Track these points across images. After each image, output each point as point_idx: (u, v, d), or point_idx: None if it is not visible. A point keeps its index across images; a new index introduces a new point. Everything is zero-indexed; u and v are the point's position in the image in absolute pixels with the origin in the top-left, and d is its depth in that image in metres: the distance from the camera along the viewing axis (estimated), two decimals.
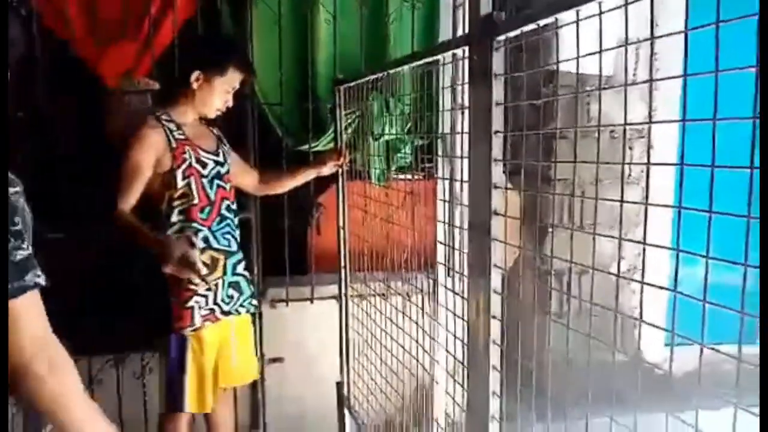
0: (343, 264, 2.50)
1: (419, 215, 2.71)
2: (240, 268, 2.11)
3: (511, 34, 1.16)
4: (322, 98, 2.59)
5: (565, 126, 2.90)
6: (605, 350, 3.41)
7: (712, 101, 0.86)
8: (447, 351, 2.14)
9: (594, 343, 3.15)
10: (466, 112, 2.35)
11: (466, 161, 2.48)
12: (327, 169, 2.39)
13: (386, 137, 2.50)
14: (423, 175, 2.66)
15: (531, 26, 1.11)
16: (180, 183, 1.95)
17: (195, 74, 1.97)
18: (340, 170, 2.42)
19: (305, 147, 2.62)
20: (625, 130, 1.62)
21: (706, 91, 0.98)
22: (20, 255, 0.88)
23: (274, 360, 2.76)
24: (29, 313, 0.89)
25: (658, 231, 2.98)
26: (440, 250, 2.58)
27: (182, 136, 1.98)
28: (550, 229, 3.24)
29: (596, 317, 2.67)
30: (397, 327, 2.55)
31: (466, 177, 2.46)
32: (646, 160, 3.22)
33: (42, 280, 0.91)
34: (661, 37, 1.02)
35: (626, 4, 0.98)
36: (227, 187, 2.09)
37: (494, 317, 1.30)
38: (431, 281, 2.55)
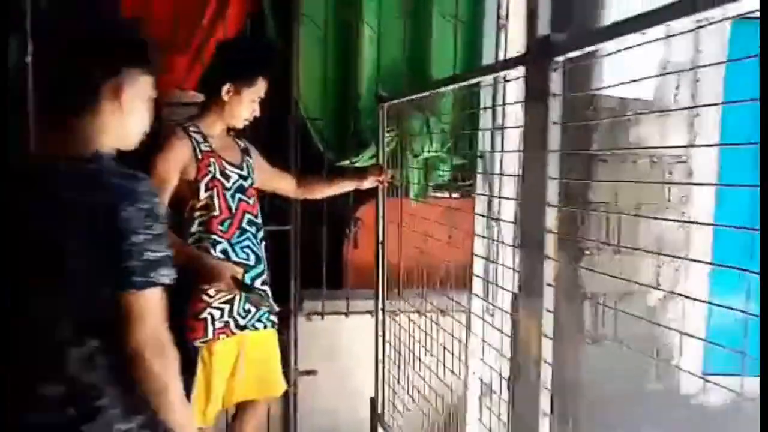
0: (380, 279, 2.52)
1: (457, 232, 2.73)
2: (258, 283, 2.07)
3: (570, 55, 1.17)
4: (364, 114, 2.63)
5: (605, 149, 2.88)
6: (640, 378, 3.32)
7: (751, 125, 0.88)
8: (490, 367, 2.13)
9: (631, 370, 3.08)
10: (507, 131, 2.39)
11: (506, 179, 2.51)
12: (367, 183, 2.41)
13: (426, 155, 2.53)
14: (460, 193, 2.68)
15: (588, 48, 1.12)
16: (203, 194, 1.97)
17: (226, 87, 1.98)
18: (380, 186, 2.45)
19: (346, 162, 2.66)
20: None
21: (745, 113, 0.99)
22: (153, 255, 1.07)
23: (308, 372, 2.77)
24: (153, 304, 1.08)
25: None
26: (478, 265, 2.58)
27: (208, 148, 1.99)
28: (586, 252, 3.21)
29: (633, 345, 2.63)
30: (433, 342, 2.55)
31: (508, 194, 2.47)
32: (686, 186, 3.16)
33: (167, 279, 1.09)
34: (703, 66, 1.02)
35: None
36: (250, 201, 2.09)
37: (546, 336, 1.30)
38: (469, 297, 2.54)
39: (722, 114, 3.04)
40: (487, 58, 2.51)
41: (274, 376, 2.22)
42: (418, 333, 2.62)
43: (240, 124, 2.07)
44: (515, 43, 2.64)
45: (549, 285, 1.29)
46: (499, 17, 2.48)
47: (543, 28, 1.27)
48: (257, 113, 2.06)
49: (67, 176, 1.09)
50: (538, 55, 1.25)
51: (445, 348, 2.27)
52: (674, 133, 3.10)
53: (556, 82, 1.22)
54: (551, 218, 1.28)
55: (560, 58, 1.19)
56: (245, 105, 2.03)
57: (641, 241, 2.99)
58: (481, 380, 2.54)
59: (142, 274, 1.06)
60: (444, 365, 2.35)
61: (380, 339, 2.58)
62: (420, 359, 2.51)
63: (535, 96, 1.26)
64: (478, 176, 2.53)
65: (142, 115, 1.20)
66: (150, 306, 1.08)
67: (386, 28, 2.57)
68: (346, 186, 2.41)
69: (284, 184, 2.34)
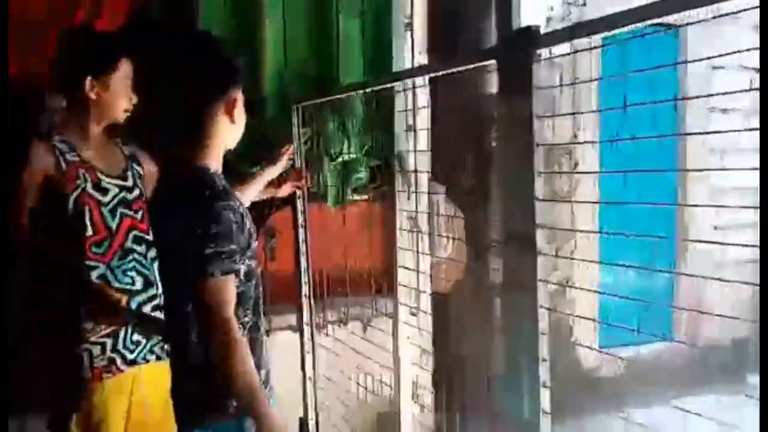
0: (305, 292, 2.38)
1: (376, 238, 2.66)
2: (148, 309, 1.78)
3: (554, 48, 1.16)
4: (272, 117, 2.46)
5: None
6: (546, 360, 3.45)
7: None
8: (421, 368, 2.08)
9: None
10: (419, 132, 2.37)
11: (422, 178, 2.49)
12: (285, 189, 2.26)
13: (344, 157, 2.42)
14: (371, 196, 2.62)
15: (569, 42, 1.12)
16: (71, 212, 1.69)
17: (87, 83, 1.70)
18: (298, 191, 2.31)
19: (255, 168, 2.47)
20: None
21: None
22: (212, 250, 1.24)
23: None
24: (214, 293, 1.25)
25: (589, 243, 3.10)
26: (402, 273, 2.53)
27: (75, 158, 1.72)
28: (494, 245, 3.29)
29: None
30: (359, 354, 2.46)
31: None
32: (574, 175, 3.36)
33: (222, 272, 1.25)
34: None
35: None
36: (138, 215, 1.80)
37: (543, 333, 1.28)
38: (395, 303, 2.49)
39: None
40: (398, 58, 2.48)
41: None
42: (341, 346, 2.52)
43: (121, 117, 1.78)
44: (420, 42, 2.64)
45: (541, 281, 1.26)
46: (406, 15, 2.46)
47: (515, 19, 1.25)
48: (135, 99, 1.77)
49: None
50: (518, 47, 1.22)
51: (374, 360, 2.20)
52: (562, 127, 3.26)
53: (538, 73, 1.20)
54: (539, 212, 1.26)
55: (543, 50, 1.18)
56: (119, 95, 1.73)
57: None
58: (413, 383, 2.51)
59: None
60: (373, 377, 2.28)
61: (307, 355, 2.43)
62: (347, 375, 2.41)
63: (516, 88, 1.23)
64: (398, 177, 2.47)
65: (243, 122, 1.40)
66: (210, 296, 1.26)
67: (290, 26, 2.42)
68: (259, 193, 2.22)
69: None
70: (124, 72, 1.73)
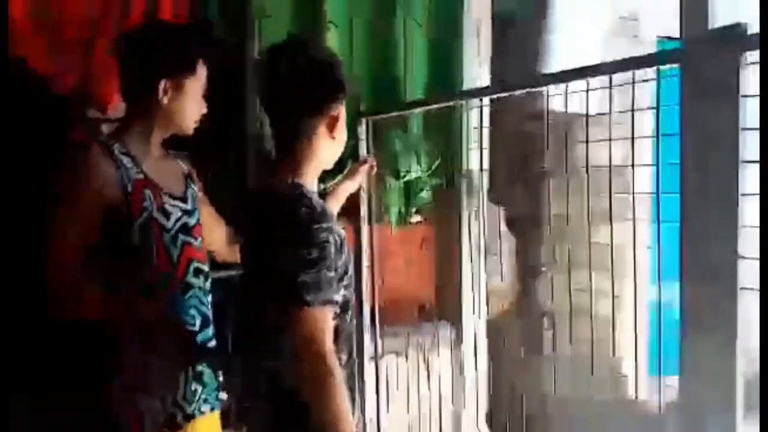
0: (371, 319, 2.19)
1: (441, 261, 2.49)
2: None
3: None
4: None
5: (553, 164, 2.89)
6: (594, 390, 3.32)
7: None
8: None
9: (584, 384, 3.07)
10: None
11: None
12: (360, 176, 2.03)
13: (409, 176, 2.26)
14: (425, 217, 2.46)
15: None
16: (136, 241, 1.42)
17: (162, 84, 1.43)
18: (361, 213, 2.14)
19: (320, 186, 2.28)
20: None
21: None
22: (310, 277, 1.12)
23: None
24: (312, 325, 1.12)
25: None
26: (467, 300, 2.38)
27: (140, 175, 1.43)
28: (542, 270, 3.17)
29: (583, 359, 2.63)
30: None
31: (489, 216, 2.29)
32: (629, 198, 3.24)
33: (322, 301, 1.13)
34: None
35: None
36: (196, 243, 1.53)
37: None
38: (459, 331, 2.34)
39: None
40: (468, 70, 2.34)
41: None
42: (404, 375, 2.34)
43: (190, 128, 1.52)
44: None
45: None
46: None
47: (714, 17, 1.11)
48: (205, 110, 1.53)
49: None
50: (721, 47, 1.08)
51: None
52: (614, 147, 3.18)
53: (746, 80, 1.06)
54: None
55: (753, 53, 1.04)
56: (192, 102, 1.48)
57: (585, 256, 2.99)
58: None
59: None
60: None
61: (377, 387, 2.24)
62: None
63: (712, 95, 1.09)
64: (463, 197, 2.33)
65: (344, 140, 1.32)
66: (305, 327, 1.13)
67: (356, 34, 2.25)
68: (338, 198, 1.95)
69: (216, 236, 1.67)
70: (200, 76, 1.50)
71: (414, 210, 2.32)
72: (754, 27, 1.04)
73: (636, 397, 2.99)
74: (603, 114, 3.10)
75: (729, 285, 1.08)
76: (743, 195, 1.10)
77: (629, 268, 2.98)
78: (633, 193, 1.78)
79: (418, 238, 2.42)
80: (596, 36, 3.15)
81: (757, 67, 1.06)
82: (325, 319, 1.13)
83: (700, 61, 1.11)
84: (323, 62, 1.26)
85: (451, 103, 2.07)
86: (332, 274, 1.14)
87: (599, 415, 3.00)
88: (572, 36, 3.06)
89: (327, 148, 1.28)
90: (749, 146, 1.08)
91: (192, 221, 1.52)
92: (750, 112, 1.06)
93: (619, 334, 3.07)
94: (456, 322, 2.40)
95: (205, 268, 1.55)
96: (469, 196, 2.32)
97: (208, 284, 1.55)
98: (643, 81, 1.52)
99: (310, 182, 1.28)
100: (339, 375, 1.11)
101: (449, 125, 2.27)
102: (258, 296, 1.27)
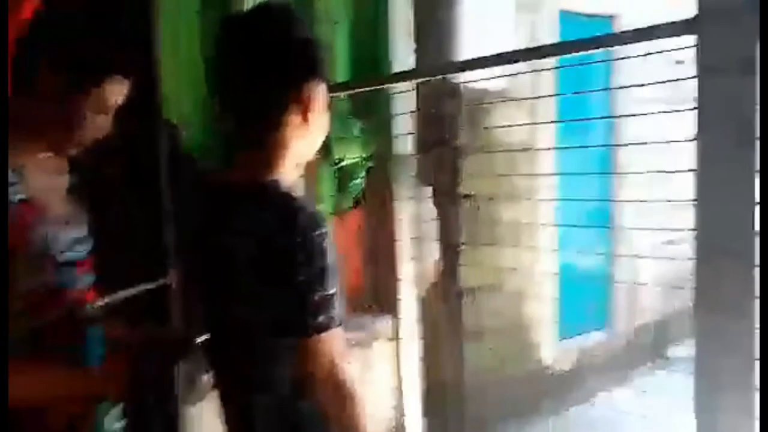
0: None
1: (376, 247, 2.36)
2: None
3: None
4: None
5: (468, 140, 2.92)
6: (512, 361, 3.45)
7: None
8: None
9: (501, 356, 3.19)
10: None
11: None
12: None
13: (345, 162, 2.07)
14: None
15: None
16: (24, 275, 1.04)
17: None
18: None
19: None
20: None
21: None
22: (320, 296, 0.92)
23: None
24: (329, 349, 0.93)
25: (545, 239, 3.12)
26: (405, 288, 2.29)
27: (22, 196, 1.04)
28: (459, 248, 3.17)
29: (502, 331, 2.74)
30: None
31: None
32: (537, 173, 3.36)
33: (337, 320, 0.94)
34: None
35: None
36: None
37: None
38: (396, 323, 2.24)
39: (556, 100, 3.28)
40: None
41: None
42: None
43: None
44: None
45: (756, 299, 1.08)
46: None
47: None
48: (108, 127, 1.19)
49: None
50: (741, 17, 1.04)
51: None
52: (519, 120, 3.25)
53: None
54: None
55: None
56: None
57: (504, 229, 3.06)
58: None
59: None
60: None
61: None
62: None
63: (736, 68, 1.05)
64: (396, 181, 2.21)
65: (325, 127, 1.07)
66: (324, 349, 0.94)
67: None
68: None
69: None
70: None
71: (349, 197, 2.14)
72: None
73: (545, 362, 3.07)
74: (509, 99, 3.11)
75: (745, 262, 1.07)
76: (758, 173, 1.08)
77: (538, 243, 3.05)
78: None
79: (354, 226, 2.26)
80: (505, 11, 3.14)
81: None
82: (343, 340, 0.96)
83: (717, 31, 1.07)
84: (291, 35, 1.01)
85: (378, 87, 1.95)
86: (337, 288, 0.96)
87: (518, 383, 3.08)
88: (481, 11, 3.03)
89: (302, 138, 1.04)
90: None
91: (82, 250, 1.13)
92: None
93: (531, 305, 3.14)
94: (392, 310, 2.30)
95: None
96: (401, 180, 2.21)
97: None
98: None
99: (288, 181, 1.04)
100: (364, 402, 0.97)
101: (378, 109, 2.12)
102: (244, 340, 1.03)
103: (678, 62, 4.17)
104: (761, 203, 0.97)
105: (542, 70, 2.64)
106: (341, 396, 0.95)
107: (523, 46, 2.99)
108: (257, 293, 0.96)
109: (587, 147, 1.44)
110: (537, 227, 3.02)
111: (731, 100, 1.07)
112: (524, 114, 3.17)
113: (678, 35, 1.14)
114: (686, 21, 1.12)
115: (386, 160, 2.15)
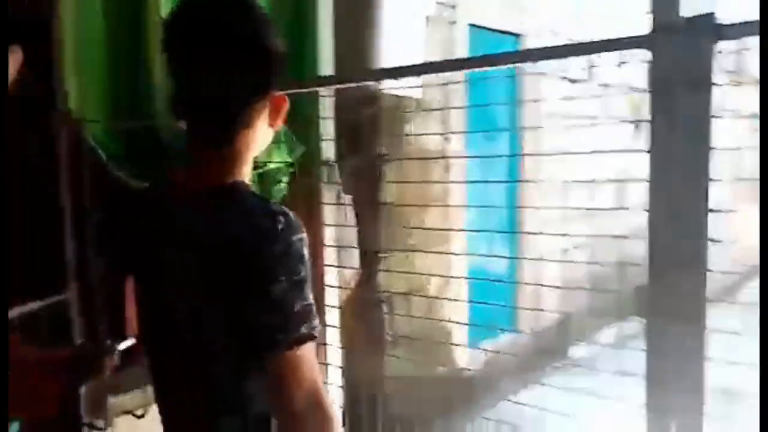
0: None
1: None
2: None
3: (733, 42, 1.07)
4: (158, 114, 1.85)
5: (388, 147, 2.95)
6: (431, 366, 3.55)
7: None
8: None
9: (418, 360, 3.29)
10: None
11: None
12: None
13: (267, 167, 1.96)
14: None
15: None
16: None
17: None
18: None
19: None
20: None
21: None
22: (300, 306, 0.86)
23: None
24: (308, 363, 0.87)
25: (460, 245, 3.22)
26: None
27: None
28: (382, 255, 3.19)
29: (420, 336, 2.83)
30: None
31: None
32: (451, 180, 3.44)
33: (317, 331, 0.88)
34: None
35: None
36: None
37: None
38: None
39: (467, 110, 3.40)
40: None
41: None
42: None
43: None
44: None
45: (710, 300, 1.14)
46: None
47: (672, 6, 1.12)
48: None
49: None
50: (694, 36, 1.09)
51: None
52: (434, 128, 3.32)
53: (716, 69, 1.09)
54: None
55: (729, 43, 1.07)
56: None
57: (420, 236, 3.11)
58: None
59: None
60: None
61: None
62: None
63: (689, 83, 1.10)
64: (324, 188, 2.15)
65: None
66: (302, 365, 0.87)
67: None
68: None
69: None
70: None
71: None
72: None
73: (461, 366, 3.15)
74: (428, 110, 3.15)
75: (696, 271, 1.12)
76: (712, 180, 1.14)
77: (454, 249, 3.11)
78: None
79: None
80: (418, 22, 3.18)
81: (726, 56, 1.12)
82: (315, 352, 0.89)
83: (671, 48, 1.12)
84: (263, 25, 0.94)
85: (302, 90, 1.88)
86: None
87: (437, 387, 3.13)
88: (396, 21, 3.06)
89: (263, 140, 0.99)
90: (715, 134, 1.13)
91: None
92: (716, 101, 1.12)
93: (448, 310, 3.18)
94: (319, 316, 2.22)
95: None
96: (326, 186, 2.14)
97: None
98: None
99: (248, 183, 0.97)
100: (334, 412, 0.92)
101: (303, 113, 2.04)
102: (210, 356, 0.93)
103: (572, 81, 4.38)
104: (761, 203, 0.96)
105: (487, 79, 2.70)
106: (321, 417, 0.88)
107: (435, 58, 3.04)
108: (229, 304, 0.87)
109: (538, 155, 1.49)
110: (451, 234, 3.07)
111: (681, 114, 1.12)
112: (437, 124, 3.21)
113: (633, 48, 1.18)
114: (641, 37, 1.16)
115: (310, 166, 2.07)
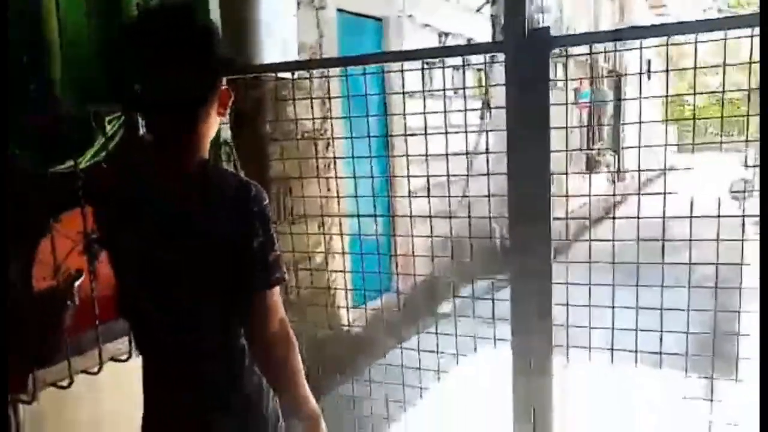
0: None
1: None
2: None
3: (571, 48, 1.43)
4: (71, 94, 1.91)
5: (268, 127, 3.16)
6: (321, 327, 3.97)
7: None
8: None
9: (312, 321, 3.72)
10: None
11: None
12: None
13: None
14: None
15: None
16: None
17: None
18: None
19: (66, 165, 1.90)
20: None
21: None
22: (273, 256, 1.15)
23: None
24: (278, 300, 1.17)
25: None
26: None
27: None
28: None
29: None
30: None
31: None
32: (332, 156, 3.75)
33: (285, 276, 1.17)
34: None
35: None
36: None
37: None
38: None
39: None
40: None
41: None
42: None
43: None
44: None
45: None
46: None
47: (519, 21, 1.45)
48: None
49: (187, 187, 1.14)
50: (535, 45, 1.43)
51: None
52: (315, 108, 3.58)
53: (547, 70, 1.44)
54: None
55: (557, 50, 1.43)
56: None
57: (308, 207, 3.35)
58: None
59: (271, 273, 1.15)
60: None
61: None
62: None
63: (532, 81, 1.44)
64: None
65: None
66: (276, 302, 1.17)
67: None
68: None
69: None
70: None
71: None
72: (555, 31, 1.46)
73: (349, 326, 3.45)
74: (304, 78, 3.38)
75: (543, 244, 1.51)
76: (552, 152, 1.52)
77: (335, 219, 3.43)
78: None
79: None
80: (290, 8, 3.37)
81: (562, 61, 1.49)
82: (279, 296, 1.19)
83: (518, 53, 1.47)
84: (211, 29, 1.17)
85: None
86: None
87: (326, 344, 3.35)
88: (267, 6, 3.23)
89: (216, 126, 1.22)
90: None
91: None
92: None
93: (333, 275, 3.52)
94: None
95: None
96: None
97: None
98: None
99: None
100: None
101: None
102: (195, 301, 1.18)
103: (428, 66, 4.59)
104: (761, 203, 1.04)
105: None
106: (288, 341, 1.18)
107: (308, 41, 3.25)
108: (220, 258, 1.11)
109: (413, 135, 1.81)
110: (334, 205, 3.33)
111: (528, 103, 1.49)
112: (317, 104, 3.44)
113: (491, 52, 1.52)
114: (498, 42, 1.51)
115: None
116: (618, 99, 8.28)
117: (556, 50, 1.50)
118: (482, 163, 1.84)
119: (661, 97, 1.54)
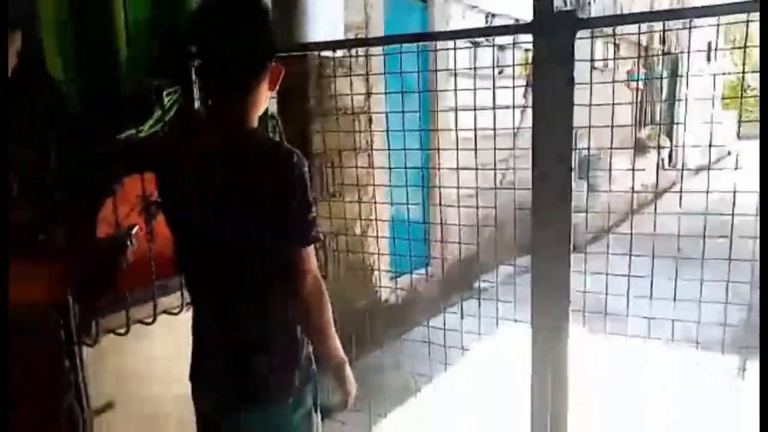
0: None
1: None
2: None
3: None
4: (134, 67, 2.10)
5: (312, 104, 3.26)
6: (359, 299, 4.14)
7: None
8: None
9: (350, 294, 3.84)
10: None
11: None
12: None
13: None
14: None
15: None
16: None
17: None
18: None
19: (130, 132, 2.09)
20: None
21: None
22: (310, 216, 1.28)
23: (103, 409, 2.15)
24: (313, 257, 1.31)
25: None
26: None
27: None
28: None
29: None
30: None
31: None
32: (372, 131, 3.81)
33: (320, 236, 1.32)
34: None
35: None
36: None
37: None
38: None
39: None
40: None
41: None
42: None
43: None
44: None
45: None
46: None
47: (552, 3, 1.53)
48: None
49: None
50: (562, 26, 1.51)
51: None
52: (357, 85, 3.68)
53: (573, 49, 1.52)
54: None
55: (584, 32, 1.50)
56: None
57: (347, 181, 3.45)
58: None
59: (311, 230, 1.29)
60: None
61: None
62: None
63: (558, 60, 1.52)
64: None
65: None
66: (312, 259, 1.30)
67: None
68: None
69: None
70: None
71: None
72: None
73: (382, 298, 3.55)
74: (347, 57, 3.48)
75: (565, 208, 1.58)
76: (576, 128, 1.60)
77: (375, 195, 3.52)
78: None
79: None
80: None
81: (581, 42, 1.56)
82: (313, 251, 1.34)
83: (544, 35, 1.54)
84: (265, 9, 1.31)
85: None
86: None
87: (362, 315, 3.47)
88: None
89: (267, 99, 1.36)
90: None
91: None
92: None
93: (370, 249, 3.64)
94: None
95: None
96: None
97: None
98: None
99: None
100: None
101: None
102: (240, 256, 1.31)
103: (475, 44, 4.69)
104: (761, 202, 1.06)
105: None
106: (321, 296, 1.32)
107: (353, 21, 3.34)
108: (263, 216, 1.25)
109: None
110: (374, 182, 3.42)
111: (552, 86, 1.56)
112: (360, 82, 3.54)
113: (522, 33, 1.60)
114: (526, 24, 1.58)
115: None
116: (674, 75, 8.03)
117: (607, 30, 1.56)
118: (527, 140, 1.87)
119: (720, 74, 1.57)
